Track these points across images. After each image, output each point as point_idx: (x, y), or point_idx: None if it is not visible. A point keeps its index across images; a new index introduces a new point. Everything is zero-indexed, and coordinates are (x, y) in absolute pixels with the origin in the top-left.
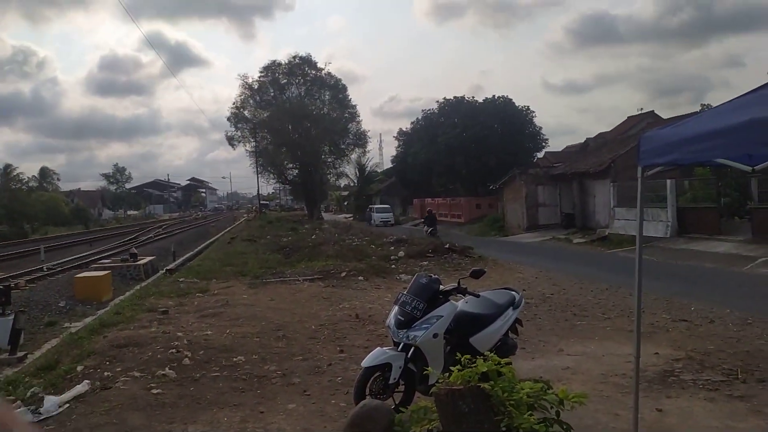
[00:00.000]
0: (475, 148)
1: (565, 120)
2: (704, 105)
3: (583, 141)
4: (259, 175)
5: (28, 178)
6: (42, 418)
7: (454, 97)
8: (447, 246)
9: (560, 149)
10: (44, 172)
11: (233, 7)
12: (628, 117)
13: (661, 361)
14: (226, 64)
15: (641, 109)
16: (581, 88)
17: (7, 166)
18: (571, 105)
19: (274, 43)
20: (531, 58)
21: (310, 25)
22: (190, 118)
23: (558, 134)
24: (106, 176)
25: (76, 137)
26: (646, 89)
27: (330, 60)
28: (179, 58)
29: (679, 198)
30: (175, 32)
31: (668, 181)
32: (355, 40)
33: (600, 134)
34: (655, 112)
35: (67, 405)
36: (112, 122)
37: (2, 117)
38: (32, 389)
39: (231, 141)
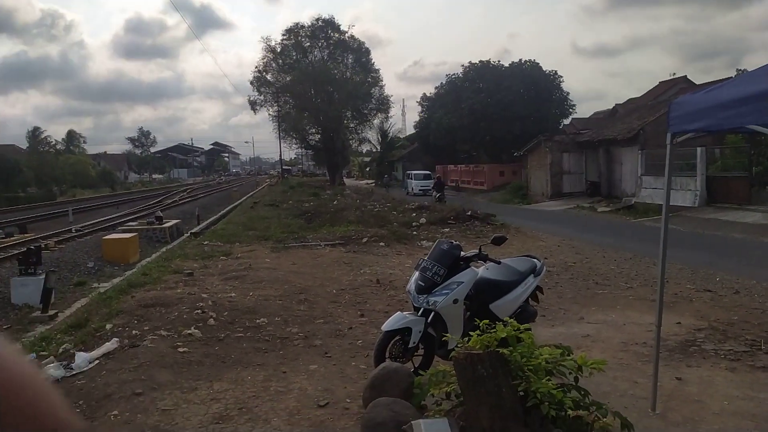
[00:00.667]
0: (499, 113)
1: (594, 85)
2: (740, 70)
3: (611, 107)
4: (282, 140)
5: (55, 141)
6: (73, 373)
7: (480, 61)
8: (469, 213)
9: (588, 115)
10: (71, 136)
11: None
12: (660, 82)
13: (683, 330)
14: (251, 26)
15: (674, 73)
16: (612, 52)
17: (35, 129)
18: (601, 69)
19: (299, 4)
20: (561, 20)
21: None
22: (214, 83)
23: (586, 100)
24: (131, 140)
25: (102, 100)
26: (680, 53)
27: (355, 23)
28: (204, 21)
29: (708, 167)
30: None
31: (698, 149)
32: (382, 2)
33: (629, 100)
34: (688, 77)
35: (97, 361)
36: (137, 86)
37: (31, 80)
38: (64, 346)
39: (253, 105)
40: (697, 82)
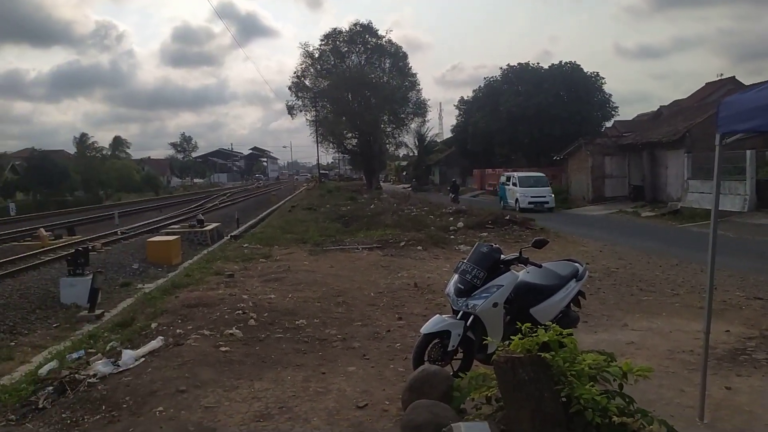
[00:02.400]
0: (538, 116)
1: (638, 87)
2: None
3: (656, 109)
4: (319, 145)
5: (102, 146)
6: (120, 369)
7: (518, 63)
8: (507, 217)
9: (631, 118)
10: (117, 141)
11: None
12: (707, 83)
13: (733, 338)
14: (293, 33)
15: (721, 74)
16: (657, 53)
17: (83, 135)
18: (646, 71)
19: (340, 11)
20: (604, 21)
21: None
22: (255, 89)
23: (630, 102)
24: (173, 145)
25: (148, 107)
26: (729, 53)
27: (395, 28)
28: (249, 28)
29: (759, 170)
30: (245, 2)
31: (748, 152)
32: (422, 7)
33: (675, 102)
34: (737, 78)
35: (143, 359)
36: (182, 92)
37: (82, 88)
38: (111, 343)
39: (291, 110)
40: (747, 83)
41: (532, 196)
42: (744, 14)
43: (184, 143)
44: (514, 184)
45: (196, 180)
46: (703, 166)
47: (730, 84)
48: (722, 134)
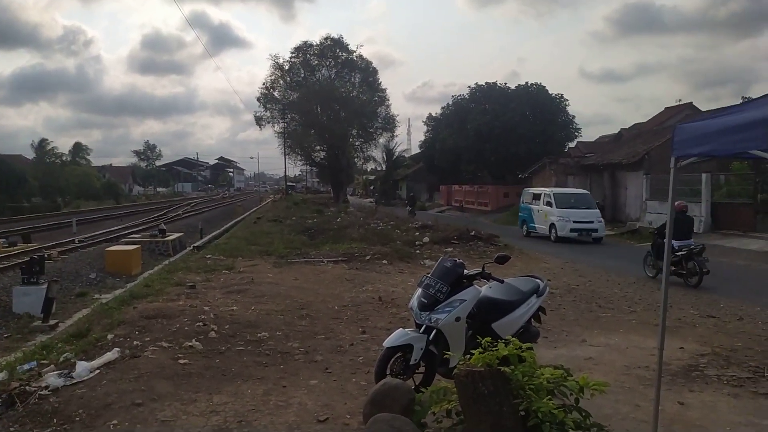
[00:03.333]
0: (504, 135)
1: (601, 110)
2: (745, 97)
3: (617, 131)
4: (287, 157)
5: (61, 152)
6: (74, 381)
7: (486, 83)
8: (472, 233)
9: (593, 139)
10: (77, 147)
11: None
12: (665, 108)
13: (686, 355)
14: (266, 45)
15: (680, 100)
16: (620, 78)
17: (42, 141)
18: (608, 94)
19: (314, 24)
20: (571, 46)
21: (351, 9)
22: (224, 99)
23: (593, 124)
24: (137, 153)
25: (113, 114)
26: (689, 80)
27: (369, 43)
28: (221, 39)
29: (714, 193)
30: (218, 12)
31: (703, 175)
32: (395, 24)
33: (635, 125)
34: (695, 104)
35: (98, 371)
36: (149, 100)
37: (45, 92)
38: (65, 354)
39: (259, 121)
40: (704, 109)
41: (575, 222)
42: (703, 44)
43: (148, 151)
44: (548, 204)
45: (159, 189)
46: (661, 187)
47: (688, 109)
48: (677, 157)
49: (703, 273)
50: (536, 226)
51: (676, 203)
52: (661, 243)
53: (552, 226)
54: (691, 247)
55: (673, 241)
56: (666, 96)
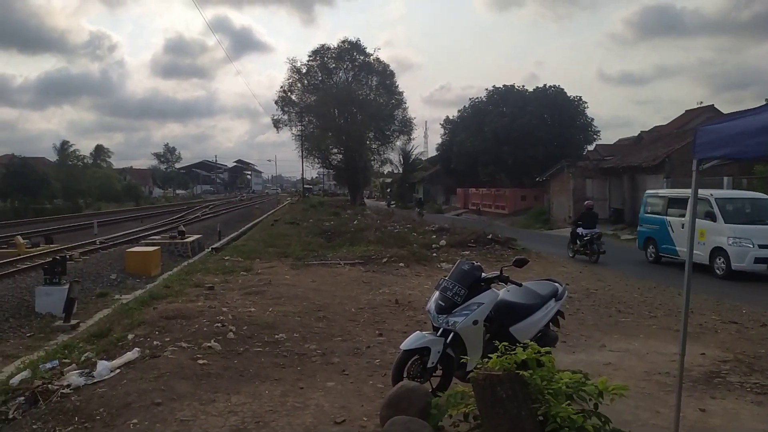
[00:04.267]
0: (522, 138)
1: (621, 112)
2: None
3: (637, 134)
4: (304, 159)
5: (83, 155)
6: (95, 381)
7: (504, 85)
8: (489, 236)
9: (612, 142)
10: (99, 150)
11: None
12: (686, 111)
13: (708, 361)
14: (286, 48)
15: (701, 102)
16: (639, 80)
17: (64, 143)
18: (628, 96)
19: (334, 28)
20: (589, 48)
21: (370, 12)
22: (244, 102)
23: (613, 126)
24: (157, 155)
25: (135, 117)
26: (710, 83)
27: (388, 46)
28: (243, 43)
29: None
30: (240, 17)
31: (725, 179)
32: (414, 27)
33: (655, 128)
34: (716, 106)
35: (119, 370)
36: (171, 103)
37: (68, 96)
38: (86, 354)
39: (276, 124)
40: (725, 112)
41: (760, 246)
42: (724, 46)
43: (168, 154)
44: (709, 216)
45: (178, 191)
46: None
47: (709, 112)
48: (699, 160)
49: (600, 253)
50: (678, 249)
51: (585, 202)
52: (575, 231)
53: (718, 252)
54: (593, 234)
55: (583, 230)
56: (686, 98)
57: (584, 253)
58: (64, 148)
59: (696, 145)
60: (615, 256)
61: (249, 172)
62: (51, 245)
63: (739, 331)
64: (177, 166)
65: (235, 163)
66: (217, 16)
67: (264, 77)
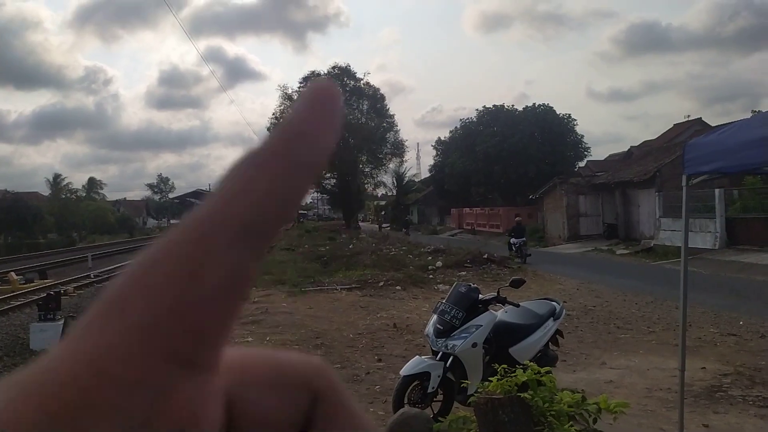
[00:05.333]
0: (513, 157)
1: (611, 128)
2: (755, 111)
3: (627, 149)
4: None
5: (75, 188)
6: None
7: (494, 105)
8: (485, 256)
9: (603, 158)
10: (92, 183)
11: (289, 23)
12: (675, 125)
13: (709, 375)
14: (281, 76)
15: (688, 116)
16: (628, 96)
17: (57, 177)
18: (618, 113)
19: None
20: (578, 67)
21: (362, 38)
22: (239, 130)
23: (603, 143)
24: (150, 186)
25: (130, 149)
26: (698, 96)
27: (381, 70)
28: (237, 72)
29: (728, 208)
30: (234, 47)
31: (716, 191)
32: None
33: (645, 142)
34: (704, 119)
35: None
36: (165, 134)
37: (62, 130)
38: None
39: None
40: (714, 124)
41: None
42: (711, 60)
43: (161, 184)
44: None
45: (173, 221)
46: (674, 204)
47: (697, 125)
48: (689, 175)
49: (527, 255)
50: None
51: (516, 218)
52: (509, 241)
53: None
54: (521, 242)
55: (514, 240)
56: (675, 113)
57: (517, 257)
58: (57, 181)
59: (685, 161)
60: (611, 271)
61: None
62: (45, 280)
63: (738, 344)
64: (171, 196)
65: None
66: (210, 47)
67: (258, 105)
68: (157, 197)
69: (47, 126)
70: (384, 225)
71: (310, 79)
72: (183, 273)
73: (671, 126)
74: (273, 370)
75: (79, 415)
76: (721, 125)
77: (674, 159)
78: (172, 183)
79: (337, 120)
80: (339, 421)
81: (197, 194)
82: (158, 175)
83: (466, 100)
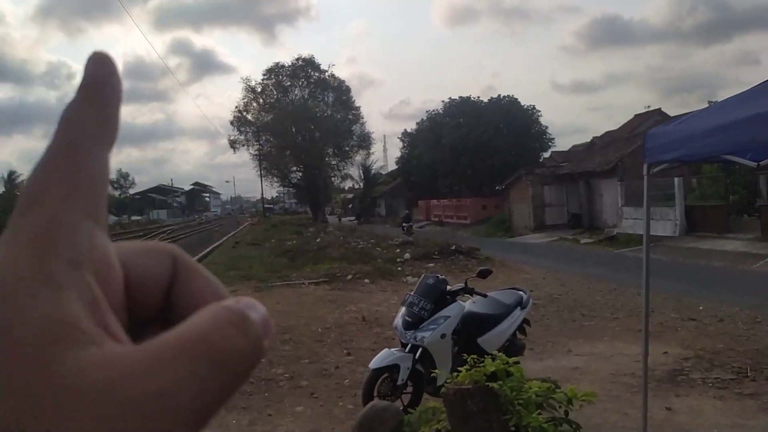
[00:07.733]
0: (479, 148)
1: (575, 120)
2: (711, 101)
3: (590, 140)
4: (263, 179)
5: None
6: None
7: (460, 97)
8: (453, 247)
9: (567, 149)
10: None
11: (257, 15)
12: (635, 115)
13: (671, 360)
14: (249, 69)
15: (648, 106)
16: (591, 88)
17: (11, 173)
18: (581, 104)
19: (295, 46)
20: (543, 59)
21: (331, 30)
22: (204, 124)
23: (567, 134)
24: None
25: None
26: (658, 88)
27: (350, 63)
28: (204, 64)
29: (687, 196)
30: (201, 39)
31: (676, 179)
32: (375, 44)
33: (607, 133)
34: (663, 109)
35: None
36: (130, 128)
37: (21, 124)
38: None
39: (233, 145)
40: (672, 114)
41: None
42: (671, 53)
43: (121, 179)
44: None
45: (134, 218)
46: (636, 193)
47: (657, 115)
48: (649, 164)
49: (411, 234)
50: None
51: (406, 211)
52: (401, 224)
53: None
54: (408, 226)
55: (405, 224)
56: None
57: (406, 234)
58: (11, 178)
59: (646, 149)
60: (576, 260)
61: (207, 195)
62: None
63: (698, 328)
64: (131, 191)
65: (192, 186)
66: (177, 39)
67: (225, 98)
68: (116, 193)
69: (3, 121)
70: (350, 219)
71: (275, 71)
72: None
73: (632, 116)
74: (140, 245)
75: None
76: (680, 115)
77: (635, 149)
78: (133, 178)
79: (118, 78)
80: (194, 270)
81: (159, 189)
82: (117, 171)
83: (435, 93)
